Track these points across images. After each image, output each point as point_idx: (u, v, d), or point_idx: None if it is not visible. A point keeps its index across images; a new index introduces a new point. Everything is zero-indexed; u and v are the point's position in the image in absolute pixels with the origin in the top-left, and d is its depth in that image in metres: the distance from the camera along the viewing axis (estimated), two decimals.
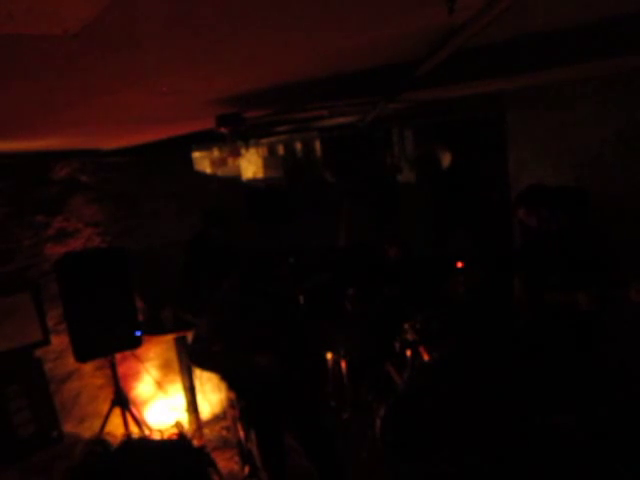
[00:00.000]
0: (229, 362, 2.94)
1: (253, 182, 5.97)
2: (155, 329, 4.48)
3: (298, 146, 6.19)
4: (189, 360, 3.79)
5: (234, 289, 3.05)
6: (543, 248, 3.34)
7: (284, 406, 2.95)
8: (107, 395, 4.19)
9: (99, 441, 1.01)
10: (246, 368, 2.87)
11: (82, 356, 3.83)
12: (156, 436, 1.07)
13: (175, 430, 1.09)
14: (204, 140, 4.40)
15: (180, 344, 4.44)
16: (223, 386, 4.42)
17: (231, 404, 4.02)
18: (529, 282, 3.37)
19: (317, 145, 6.15)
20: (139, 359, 4.46)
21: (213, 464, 1.09)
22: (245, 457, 3.89)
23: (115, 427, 4.20)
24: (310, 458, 3.04)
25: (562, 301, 3.15)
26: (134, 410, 4.19)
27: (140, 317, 4.30)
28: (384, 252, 4.71)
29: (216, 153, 5.53)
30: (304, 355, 3.07)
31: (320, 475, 3.04)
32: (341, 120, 4.74)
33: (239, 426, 3.54)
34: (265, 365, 2.82)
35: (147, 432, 4.21)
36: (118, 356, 4.12)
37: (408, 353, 3.83)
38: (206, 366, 3.22)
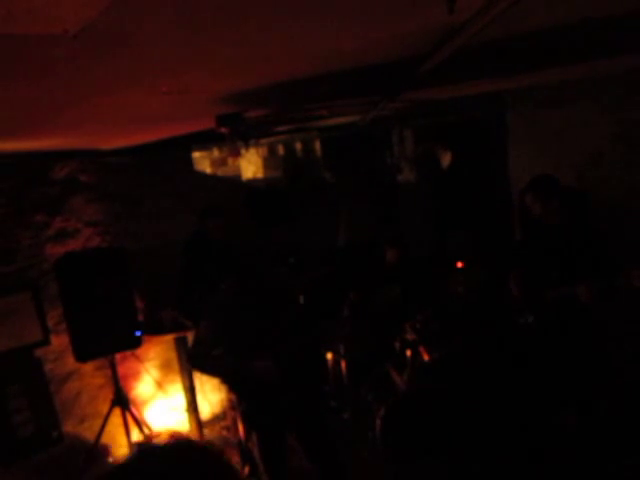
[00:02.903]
0: (229, 365, 2.94)
1: (253, 182, 5.96)
2: (155, 329, 4.47)
3: (298, 146, 6.19)
4: (189, 364, 3.78)
5: (233, 290, 3.04)
6: (543, 244, 3.33)
7: (285, 407, 2.95)
8: (107, 395, 4.19)
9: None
10: (246, 372, 2.86)
11: (82, 356, 3.83)
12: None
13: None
14: (204, 140, 4.40)
15: (180, 344, 4.44)
16: (223, 387, 4.42)
17: (231, 405, 4.02)
18: (528, 279, 3.36)
19: (317, 145, 6.14)
20: (139, 359, 4.45)
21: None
22: (245, 457, 3.89)
23: (115, 427, 4.20)
24: (311, 459, 3.04)
25: (562, 296, 3.13)
26: (134, 410, 4.19)
27: (140, 317, 4.30)
28: (383, 254, 4.71)
29: (216, 153, 5.53)
30: (304, 356, 3.06)
31: (321, 476, 3.04)
32: (341, 120, 4.73)
33: (239, 426, 3.54)
34: (263, 371, 2.81)
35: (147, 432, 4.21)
36: (118, 356, 4.12)
37: (408, 353, 3.83)
38: (206, 370, 3.21)
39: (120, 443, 4.33)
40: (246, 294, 2.98)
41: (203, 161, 5.52)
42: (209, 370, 3.20)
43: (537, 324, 3.29)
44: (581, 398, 3.37)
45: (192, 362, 3.22)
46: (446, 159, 5.88)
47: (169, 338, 4.52)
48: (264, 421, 2.96)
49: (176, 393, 4.66)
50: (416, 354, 3.84)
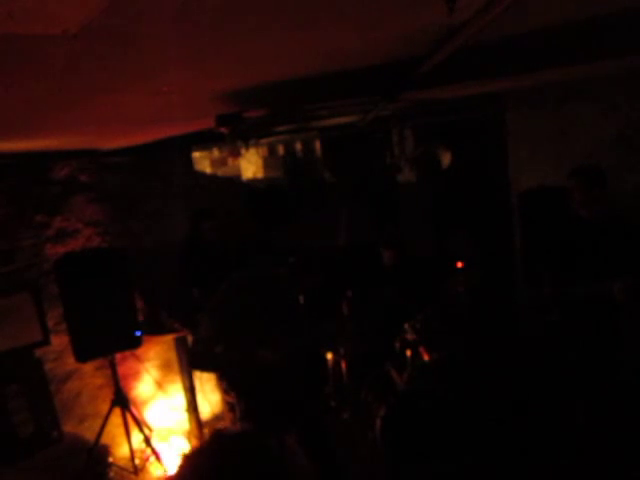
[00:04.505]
0: (231, 361, 2.94)
1: (253, 182, 5.96)
2: (155, 329, 4.47)
3: (298, 146, 6.18)
4: (190, 365, 3.77)
5: (234, 289, 3.05)
6: (577, 241, 3.26)
7: (284, 406, 2.95)
8: (107, 395, 4.19)
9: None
10: (248, 366, 2.86)
11: (82, 356, 3.83)
12: None
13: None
14: (204, 140, 4.40)
15: (180, 344, 4.44)
16: (220, 387, 4.41)
17: (229, 407, 4.01)
18: (561, 277, 3.26)
19: (317, 145, 6.14)
20: (139, 359, 4.46)
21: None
22: None
23: (115, 427, 4.20)
24: (310, 459, 3.04)
25: (596, 294, 3.06)
26: (134, 410, 4.19)
27: (140, 317, 4.30)
28: (380, 256, 4.71)
29: (216, 153, 5.52)
30: (304, 355, 3.06)
31: (320, 476, 3.04)
32: (341, 120, 4.73)
33: (239, 426, 3.54)
34: (268, 360, 2.81)
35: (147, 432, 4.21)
36: (118, 356, 4.12)
37: (408, 353, 3.83)
38: (208, 368, 3.22)
39: (120, 443, 4.33)
40: (247, 293, 2.98)
41: (203, 161, 5.51)
42: (210, 367, 3.20)
43: (566, 322, 3.24)
44: (596, 397, 3.31)
45: (193, 360, 3.22)
46: (446, 159, 5.87)
47: (169, 338, 4.52)
48: (263, 420, 2.96)
49: (176, 393, 4.66)
50: (416, 354, 3.84)
